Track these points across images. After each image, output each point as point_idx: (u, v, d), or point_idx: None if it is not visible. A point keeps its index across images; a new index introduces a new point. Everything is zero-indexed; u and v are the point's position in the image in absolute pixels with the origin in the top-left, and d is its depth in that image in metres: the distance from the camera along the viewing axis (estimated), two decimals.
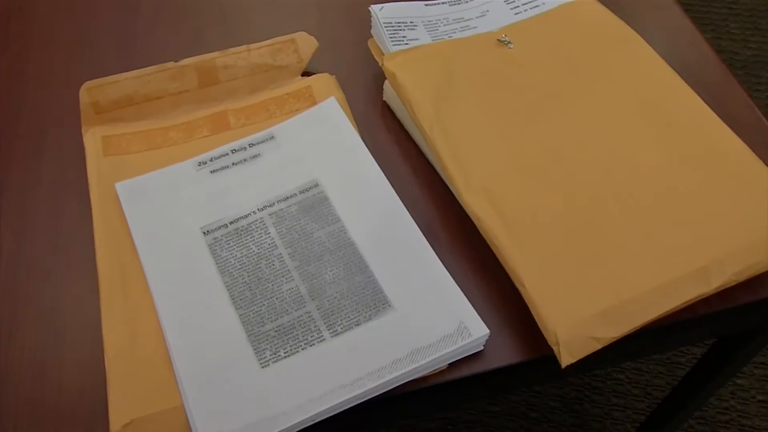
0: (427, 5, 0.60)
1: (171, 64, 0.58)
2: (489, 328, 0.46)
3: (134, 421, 0.43)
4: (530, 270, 0.45)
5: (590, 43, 0.57)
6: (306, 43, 0.61)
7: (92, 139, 0.56)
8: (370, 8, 0.58)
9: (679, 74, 0.56)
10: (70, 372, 0.47)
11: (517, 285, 0.45)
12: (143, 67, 0.59)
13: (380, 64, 0.56)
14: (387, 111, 0.59)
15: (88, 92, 0.57)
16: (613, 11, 0.61)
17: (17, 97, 0.61)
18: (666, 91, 0.54)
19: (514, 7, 0.61)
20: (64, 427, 0.44)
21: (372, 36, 0.59)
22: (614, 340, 0.43)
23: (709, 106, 0.57)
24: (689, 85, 0.56)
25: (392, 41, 0.57)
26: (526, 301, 0.45)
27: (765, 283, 0.49)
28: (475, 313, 0.46)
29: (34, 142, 0.58)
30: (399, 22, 0.58)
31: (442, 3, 0.61)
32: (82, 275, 0.51)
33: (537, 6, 0.60)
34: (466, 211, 0.49)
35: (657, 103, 0.53)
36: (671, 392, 0.84)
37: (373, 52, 0.58)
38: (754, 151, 0.52)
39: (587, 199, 0.49)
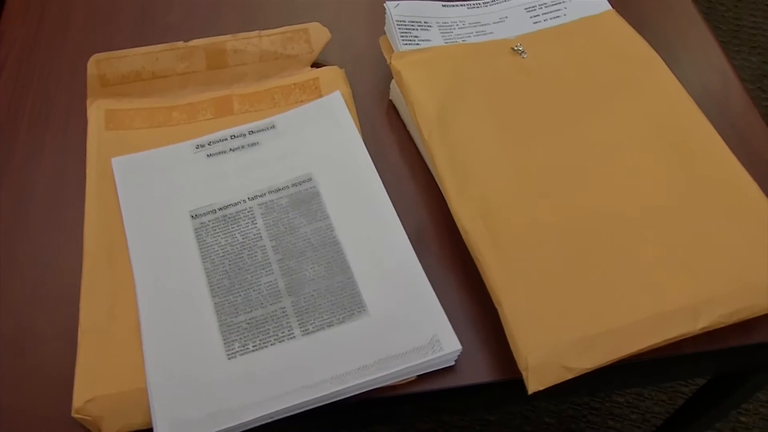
0: (444, 6, 0.59)
1: (181, 43, 0.58)
2: (465, 344, 0.45)
3: (97, 399, 0.43)
4: (510, 290, 0.44)
5: (607, 59, 0.55)
6: (319, 34, 0.60)
7: (96, 111, 0.57)
8: (385, 4, 0.57)
9: (699, 99, 0.54)
10: (44, 342, 0.47)
11: (495, 304, 0.44)
12: (157, 44, 0.59)
13: (388, 62, 0.55)
14: (392, 110, 0.58)
15: (97, 64, 0.57)
16: (638, 28, 0.59)
17: (30, 65, 0.61)
18: (678, 117, 0.52)
19: (534, 16, 0.59)
20: (33, 396, 0.45)
21: (385, 33, 0.58)
22: (587, 371, 0.42)
23: (728, 136, 0.55)
24: (709, 111, 0.54)
25: (403, 40, 0.55)
26: (502, 321, 0.44)
27: (758, 327, 0.47)
28: (450, 328, 0.45)
29: (41, 110, 0.58)
30: (413, 21, 0.57)
31: (460, 5, 0.59)
32: (71, 246, 0.51)
33: (558, 17, 0.58)
34: (455, 221, 0.48)
35: (667, 129, 0.51)
36: (667, 421, 0.82)
37: (383, 50, 0.57)
38: None
39: (582, 222, 0.47)
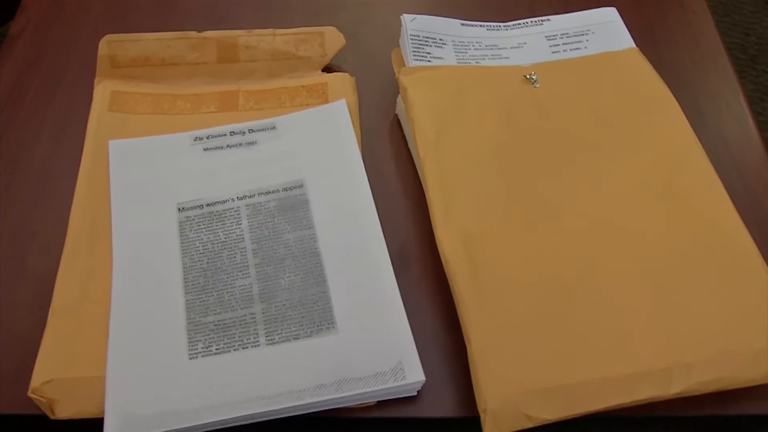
0: (463, 24, 0.58)
1: (194, 33, 0.58)
2: (430, 374, 0.44)
3: (54, 381, 0.43)
4: (482, 328, 0.43)
5: (621, 99, 0.53)
6: (333, 39, 0.59)
7: (102, 91, 0.57)
8: (401, 17, 0.56)
9: (713, 150, 0.52)
10: (17, 316, 0.47)
11: (465, 339, 0.43)
12: (175, 30, 0.58)
13: (396, 75, 0.54)
14: (396, 124, 0.57)
15: (108, 45, 0.57)
16: (662, 67, 0.57)
17: (47, 38, 0.62)
18: (685, 169, 0.50)
19: (554, 45, 0.57)
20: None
21: (399, 45, 0.57)
22: (548, 422, 0.40)
23: (739, 194, 0.52)
24: (721, 164, 0.52)
25: (414, 55, 0.54)
26: (469, 358, 0.42)
27: (737, 398, 0.45)
28: (416, 357, 0.44)
29: (50, 83, 0.59)
30: (427, 37, 0.56)
31: (479, 25, 0.58)
32: (57, 224, 0.51)
33: (578, 48, 0.57)
34: (438, 248, 0.47)
35: (671, 181, 0.49)
36: None
37: (394, 63, 0.56)
38: None
39: (567, 269, 0.45)
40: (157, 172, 0.53)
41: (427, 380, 0.44)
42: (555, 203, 0.48)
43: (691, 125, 0.53)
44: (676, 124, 0.52)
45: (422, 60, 0.54)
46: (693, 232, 0.47)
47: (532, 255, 0.45)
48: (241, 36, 0.58)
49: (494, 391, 0.41)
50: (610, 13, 0.59)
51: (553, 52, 0.57)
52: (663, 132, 0.51)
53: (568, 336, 0.42)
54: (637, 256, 0.46)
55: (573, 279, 0.45)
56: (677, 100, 0.54)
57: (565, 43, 0.57)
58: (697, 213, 0.47)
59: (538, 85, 0.54)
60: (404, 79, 0.53)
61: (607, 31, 0.58)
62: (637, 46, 0.57)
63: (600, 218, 0.47)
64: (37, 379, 0.43)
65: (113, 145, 0.54)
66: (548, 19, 0.59)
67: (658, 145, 0.51)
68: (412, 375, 0.43)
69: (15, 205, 0.52)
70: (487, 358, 0.42)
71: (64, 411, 0.43)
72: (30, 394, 0.43)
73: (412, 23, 0.56)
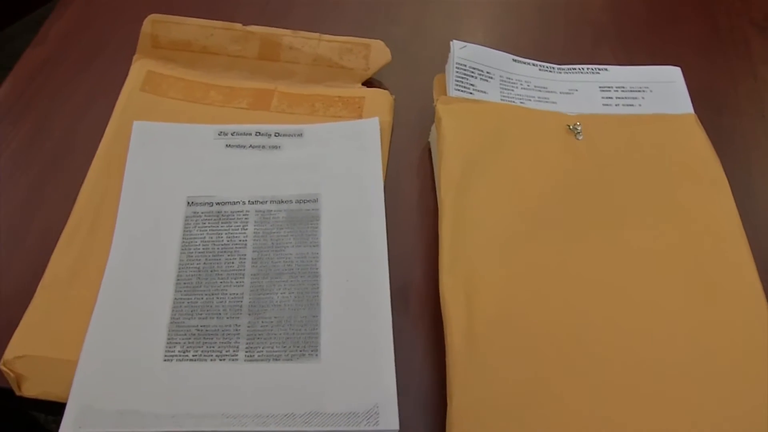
0: (514, 60, 0.55)
1: (238, 25, 0.57)
2: (408, 425, 0.42)
3: (27, 357, 0.42)
4: (466, 388, 0.40)
5: (666, 167, 0.49)
6: (379, 53, 0.57)
7: (138, 69, 0.56)
8: (451, 42, 0.54)
9: (757, 239, 0.48)
10: (8, 283, 0.47)
11: (447, 395, 0.40)
12: (221, 19, 0.57)
13: (434, 103, 0.52)
14: (427, 153, 0.55)
15: (152, 24, 0.56)
16: (718, 136, 0.53)
17: (99, 7, 0.61)
18: (722, 255, 0.46)
19: (607, 97, 0.54)
20: None
21: (445, 71, 0.54)
22: None
23: None
24: (764, 255, 0.48)
25: (457, 85, 0.52)
26: (447, 416, 0.40)
27: None
28: (395, 403, 0.42)
29: (90, 53, 0.58)
30: (474, 68, 0.53)
31: (532, 64, 0.55)
32: (66, 197, 0.50)
33: (631, 105, 0.53)
34: (439, 290, 0.44)
35: (705, 266, 0.45)
36: None
37: (435, 88, 0.54)
38: None
39: (572, 347, 0.42)
40: (175, 160, 0.52)
41: (402, 429, 0.41)
42: (573, 271, 0.44)
43: (741, 205, 0.49)
44: (721, 204, 0.48)
45: (464, 91, 0.52)
46: (716, 328, 0.43)
47: (536, 323, 0.42)
48: (286, 36, 0.57)
49: None
50: (674, 73, 0.55)
51: (604, 105, 0.53)
52: (705, 209, 0.48)
53: (556, 415, 0.39)
54: (651, 347, 0.42)
55: (574, 360, 0.41)
56: (730, 173, 0.50)
57: (619, 97, 0.54)
58: (724, 306, 0.43)
59: (581, 137, 0.51)
60: (441, 108, 0.51)
61: (666, 91, 0.54)
62: (697, 109, 0.54)
63: (618, 296, 0.44)
64: (11, 352, 0.43)
65: (137, 125, 0.53)
66: (606, 69, 0.56)
67: (697, 225, 0.47)
68: (387, 422, 0.41)
69: (30, 169, 0.52)
70: (465, 419, 0.39)
71: (30, 389, 0.42)
72: (1, 366, 0.42)
73: (461, 51, 0.53)
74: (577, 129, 0.51)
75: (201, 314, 0.45)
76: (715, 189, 0.49)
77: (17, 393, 0.42)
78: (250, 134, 0.53)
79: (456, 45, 0.53)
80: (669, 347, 0.42)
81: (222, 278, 0.46)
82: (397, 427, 0.41)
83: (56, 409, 0.41)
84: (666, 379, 0.41)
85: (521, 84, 0.54)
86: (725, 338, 0.42)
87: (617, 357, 0.41)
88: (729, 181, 0.49)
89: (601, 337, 0.42)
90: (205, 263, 0.47)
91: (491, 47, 0.55)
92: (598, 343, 0.42)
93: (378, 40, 0.57)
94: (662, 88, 0.54)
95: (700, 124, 0.52)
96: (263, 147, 0.53)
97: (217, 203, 0.50)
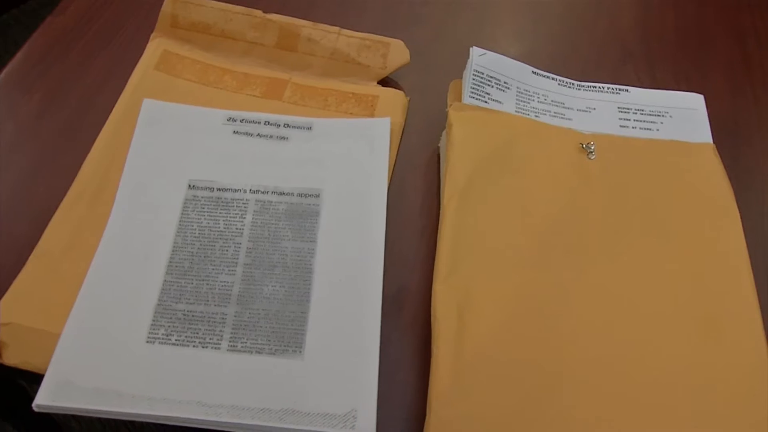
0: (534, 73, 0.54)
1: (259, 12, 0.56)
2: (385, 431, 0.41)
3: (12, 325, 0.42)
4: (447, 403, 0.39)
5: (678, 196, 0.48)
6: (398, 53, 0.56)
7: (154, 47, 0.56)
8: (471, 48, 0.53)
9: (763, 272, 0.46)
10: (3, 247, 0.47)
11: (427, 408, 0.40)
12: (241, 5, 0.57)
13: (447, 108, 0.51)
14: (436, 158, 0.54)
15: (173, 3, 0.56)
16: (735, 164, 0.52)
17: None
18: (724, 289, 0.44)
19: (624, 119, 0.53)
20: None
21: (462, 77, 0.53)
22: None
23: None
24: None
25: (472, 92, 0.51)
26: (425, 428, 0.39)
27: None
28: (374, 409, 0.41)
29: (110, 29, 0.58)
30: (491, 77, 0.52)
31: (552, 78, 0.54)
32: (69, 168, 0.50)
33: (648, 129, 0.52)
34: (431, 301, 0.43)
35: (710, 302, 0.43)
36: None
37: (449, 93, 0.53)
38: None
39: (563, 375, 0.40)
40: (181, 142, 0.51)
41: None
42: (573, 297, 0.43)
43: (755, 239, 0.48)
44: (731, 237, 0.47)
45: (479, 99, 0.51)
46: (714, 367, 0.41)
47: (529, 350, 0.41)
48: (305, 27, 0.56)
49: None
50: (696, 101, 0.54)
51: (620, 126, 0.52)
52: (712, 242, 0.46)
53: None
54: (648, 382, 0.40)
55: (563, 388, 0.40)
56: (746, 205, 0.49)
57: (637, 120, 0.52)
58: (723, 343, 0.42)
59: (593, 157, 0.50)
60: (453, 114, 0.50)
61: (686, 118, 0.53)
62: (718, 136, 0.52)
63: (616, 326, 0.42)
64: None
65: (147, 103, 0.52)
66: (627, 90, 0.54)
67: (703, 256, 0.45)
68: (363, 427, 0.40)
69: (38, 138, 0.52)
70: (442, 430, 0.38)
71: (10, 358, 0.42)
72: None
73: (480, 58, 0.52)
74: (590, 148, 0.50)
75: (189, 299, 0.44)
76: (727, 222, 0.47)
77: None
78: (259, 123, 0.53)
79: (475, 52, 0.52)
80: (666, 383, 0.41)
81: (214, 265, 0.46)
82: None
83: (38, 380, 0.41)
84: (661, 415, 0.40)
85: (538, 97, 0.53)
86: (722, 376, 0.41)
87: (610, 390, 0.40)
88: (744, 212, 0.48)
89: (595, 370, 0.41)
90: (199, 248, 0.47)
91: (513, 57, 0.54)
92: (590, 375, 0.41)
93: (398, 40, 0.56)
94: (683, 115, 0.53)
95: (717, 155, 0.51)
96: (271, 137, 0.52)
97: (218, 189, 0.49)
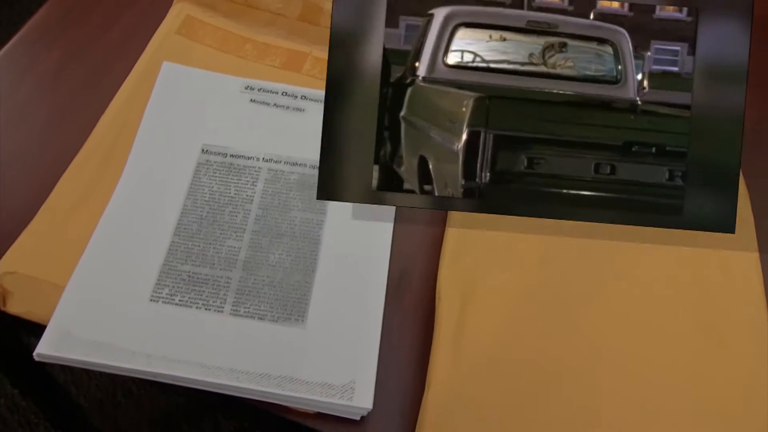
0: None
1: None
2: (382, 406, 0.41)
3: (17, 274, 0.42)
4: (445, 380, 0.39)
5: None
6: None
7: (177, 12, 0.56)
8: None
9: None
10: (14, 197, 0.47)
11: (426, 382, 0.39)
12: None
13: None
14: None
15: None
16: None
17: None
18: (732, 298, 0.43)
19: None
20: None
21: None
22: None
23: None
24: None
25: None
26: (422, 403, 0.39)
27: None
28: (372, 382, 0.41)
29: None
30: None
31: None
32: (86, 126, 0.50)
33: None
34: (437, 283, 0.43)
35: (714, 304, 0.43)
36: None
37: None
38: None
39: (563, 370, 0.40)
40: (198, 106, 0.51)
41: (375, 410, 0.40)
42: (577, 299, 0.42)
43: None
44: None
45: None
46: (714, 364, 0.41)
47: (529, 349, 0.41)
48: (329, 1, 0.56)
49: None
50: None
51: None
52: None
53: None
54: (645, 383, 0.40)
55: (562, 385, 0.40)
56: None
57: None
58: (727, 349, 0.41)
59: None
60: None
61: None
62: None
63: (620, 328, 0.42)
64: (3, 266, 0.43)
65: (166, 66, 0.52)
66: None
67: (708, 260, 0.45)
68: (361, 399, 0.40)
69: (56, 93, 0.52)
70: (438, 410, 0.38)
71: (14, 306, 0.42)
72: None
73: None
74: None
75: (195, 261, 0.44)
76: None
77: (1, 308, 0.42)
78: (277, 93, 0.53)
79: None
80: (666, 384, 0.40)
81: (222, 230, 0.46)
82: (370, 406, 0.40)
83: (40, 333, 0.41)
84: (661, 416, 0.39)
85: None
86: (722, 377, 0.41)
87: (609, 390, 0.40)
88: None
89: (594, 370, 0.40)
90: (208, 212, 0.46)
91: None
92: (589, 375, 0.40)
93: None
94: None
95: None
96: (287, 107, 0.52)
97: (232, 155, 0.49)
